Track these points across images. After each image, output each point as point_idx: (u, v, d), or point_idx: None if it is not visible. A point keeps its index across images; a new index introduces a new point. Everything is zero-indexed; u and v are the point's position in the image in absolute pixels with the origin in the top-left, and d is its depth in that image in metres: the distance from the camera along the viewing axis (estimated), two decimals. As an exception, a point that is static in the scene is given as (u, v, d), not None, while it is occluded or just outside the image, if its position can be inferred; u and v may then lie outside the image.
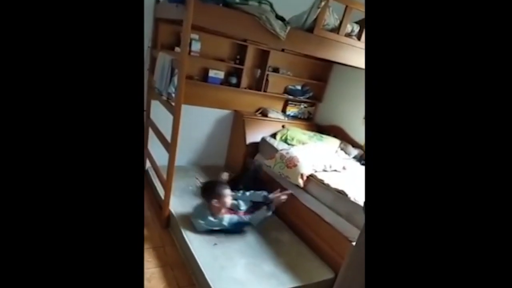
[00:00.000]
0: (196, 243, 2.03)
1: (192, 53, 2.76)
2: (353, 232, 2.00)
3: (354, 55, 2.38)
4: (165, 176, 2.30)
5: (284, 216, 2.57)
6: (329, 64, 3.52)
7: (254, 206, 2.40)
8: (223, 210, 2.21)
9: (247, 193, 2.48)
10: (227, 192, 2.24)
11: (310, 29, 2.18)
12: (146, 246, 2.10)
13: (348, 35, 2.36)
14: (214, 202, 2.17)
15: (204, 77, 3.02)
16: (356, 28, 2.38)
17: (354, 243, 0.96)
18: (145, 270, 1.88)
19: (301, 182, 2.43)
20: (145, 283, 1.79)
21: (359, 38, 2.38)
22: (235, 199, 2.37)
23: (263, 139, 3.09)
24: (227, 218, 2.18)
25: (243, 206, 2.38)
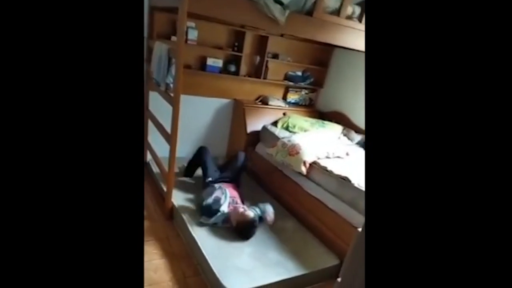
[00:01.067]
0: (200, 234, 2.03)
1: (189, 42, 2.71)
2: (357, 218, 2.00)
3: (356, 38, 2.33)
4: (166, 168, 2.29)
5: (287, 204, 2.57)
6: (330, 48, 3.46)
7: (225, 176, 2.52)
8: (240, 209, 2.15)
9: (215, 184, 2.40)
10: (240, 208, 2.15)
11: (310, 13, 2.13)
12: (150, 238, 2.10)
13: (349, 17, 2.30)
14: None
15: (202, 65, 2.97)
16: (357, 10, 2.32)
17: (359, 229, 0.95)
18: (151, 262, 1.89)
19: (304, 169, 2.42)
20: (151, 274, 1.80)
21: (360, 20, 2.33)
22: (211, 194, 2.29)
23: (264, 128, 3.06)
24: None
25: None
